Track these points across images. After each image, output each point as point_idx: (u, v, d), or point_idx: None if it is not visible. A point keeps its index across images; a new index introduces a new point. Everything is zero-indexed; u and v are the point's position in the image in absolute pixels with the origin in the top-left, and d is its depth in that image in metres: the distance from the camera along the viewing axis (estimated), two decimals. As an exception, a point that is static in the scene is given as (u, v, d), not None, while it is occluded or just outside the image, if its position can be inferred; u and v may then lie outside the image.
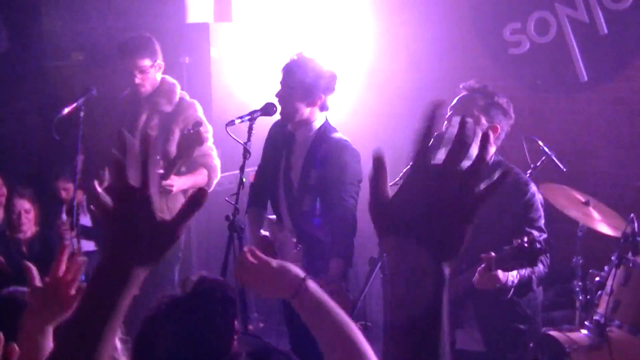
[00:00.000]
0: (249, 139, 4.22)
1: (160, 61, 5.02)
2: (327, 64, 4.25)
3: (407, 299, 1.16)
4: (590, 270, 4.49)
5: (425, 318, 1.15)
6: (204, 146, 4.87)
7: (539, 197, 3.78)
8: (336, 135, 4.23)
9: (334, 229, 4.06)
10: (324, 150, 4.15)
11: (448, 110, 3.75)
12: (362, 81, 6.28)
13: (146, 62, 4.96)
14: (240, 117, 4.28)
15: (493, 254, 3.39)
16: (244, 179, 4.24)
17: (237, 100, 6.04)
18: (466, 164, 1.17)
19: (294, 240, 4.22)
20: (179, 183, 4.80)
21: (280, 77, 4.22)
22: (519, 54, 5.87)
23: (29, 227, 5.63)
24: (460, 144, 1.16)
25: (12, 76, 6.78)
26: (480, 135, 1.17)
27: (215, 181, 5.03)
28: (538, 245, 3.45)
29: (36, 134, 5.91)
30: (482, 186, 1.19)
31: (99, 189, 1.35)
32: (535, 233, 3.57)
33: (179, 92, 5.08)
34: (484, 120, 3.68)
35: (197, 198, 1.29)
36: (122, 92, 5.13)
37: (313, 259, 4.15)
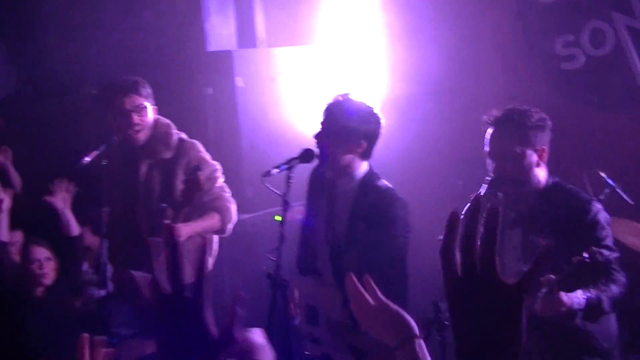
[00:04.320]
0: (287, 190, 4.16)
1: (153, 106, 4.82)
2: (374, 108, 4.19)
3: None
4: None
5: None
6: (214, 188, 4.78)
7: (604, 216, 3.69)
8: (382, 183, 4.17)
9: (387, 285, 4.01)
10: (371, 201, 4.11)
11: (485, 149, 3.72)
12: (397, 105, 6.12)
13: (145, 101, 4.75)
14: (278, 167, 4.22)
15: (553, 276, 3.33)
16: (284, 233, 4.18)
17: (268, 133, 6.03)
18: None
19: (340, 297, 4.15)
20: (186, 230, 4.65)
21: (320, 117, 4.18)
22: (573, 69, 5.67)
23: (50, 277, 5.39)
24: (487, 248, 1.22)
25: (24, 116, 6.72)
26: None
27: (230, 225, 4.90)
28: (600, 257, 3.39)
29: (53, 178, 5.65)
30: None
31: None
32: (605, 252, 3.52)
33: (175, 133, 4.90)
34: (529, 152, 3.66)
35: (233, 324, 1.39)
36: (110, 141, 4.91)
37: None
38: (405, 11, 6.26)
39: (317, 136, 4.18)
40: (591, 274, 3.47)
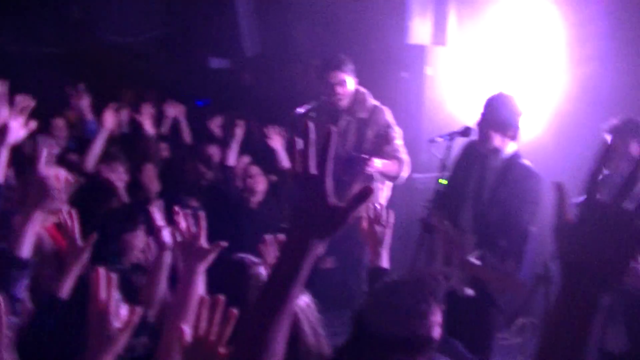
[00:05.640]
0: (447, 156, 4.57)
1: (354, 78, 5.54)
2: (522, 104, 4.54)
3: (565, 317, 1.28)
4: None
5: (577, 332, 1.28)
6: (394, 144, 5.32)
7: None
8: (524, 161, 4.55)
9: (510, 237, 4.47)
10: (515, 173, 4.48)
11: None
12: (549, 116, 6.49)
13: (347, 77, 5.47)
14: (442, 136, 4.62)
15: None
16: (439, 189, 4.61)
17: (445, 114, 6.57)
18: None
19: (472, 242, 4.53)
20: (377, 162, 5.28)
21: (482, 107, 4.51)
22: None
23: (261, 189, 6.26)
24: (628, 185, 1.23)
25: (266, 73, 7.53)
26: None
27: (404, 174, 5.40)
28: None
29: (276, 122, 6.53)
30: None
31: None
32: None
33: (370, 100, 5.58)
34: None
35: (364, 194, 1.49)
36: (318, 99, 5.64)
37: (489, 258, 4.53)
38: (581, 28, 6.35)
39: (479, 124, 4.49)
40: None
